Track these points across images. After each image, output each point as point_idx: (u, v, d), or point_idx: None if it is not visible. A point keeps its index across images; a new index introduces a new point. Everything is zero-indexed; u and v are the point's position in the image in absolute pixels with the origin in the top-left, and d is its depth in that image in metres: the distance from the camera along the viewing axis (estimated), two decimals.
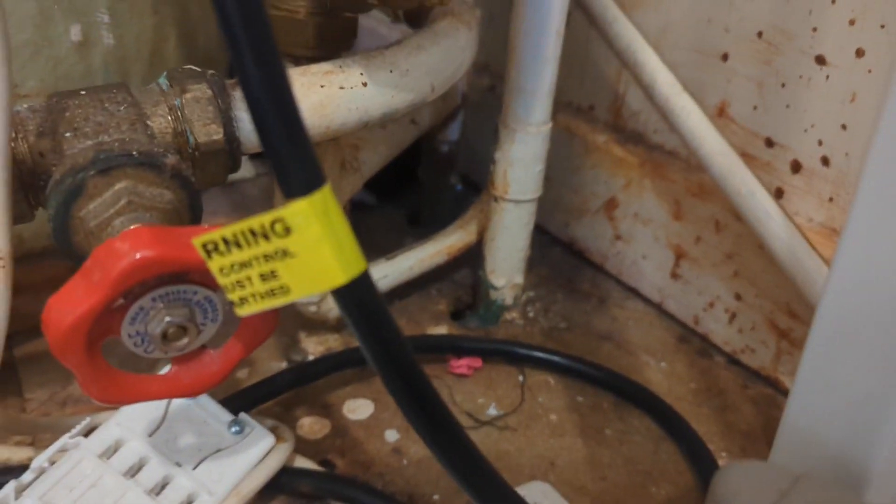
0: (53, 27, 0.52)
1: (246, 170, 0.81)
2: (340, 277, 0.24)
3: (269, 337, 0.34)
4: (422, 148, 0.86)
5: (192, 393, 0.34)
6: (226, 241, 0.24)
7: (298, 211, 0.23)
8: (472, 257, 0.78)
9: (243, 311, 0.25)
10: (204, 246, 0.24)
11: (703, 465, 0.56)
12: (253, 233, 0.24)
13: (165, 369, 0.53)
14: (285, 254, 0.24)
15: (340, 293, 0.25)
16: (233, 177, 0.81)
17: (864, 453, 0.27)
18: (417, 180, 0.89)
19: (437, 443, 0.30)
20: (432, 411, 0.29)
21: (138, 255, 0.29)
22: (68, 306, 0.29)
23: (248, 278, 0.24)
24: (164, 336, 0.32)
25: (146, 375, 0.33)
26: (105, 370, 0.31)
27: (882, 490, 0.27)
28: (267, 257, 0.24)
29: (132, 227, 0.34)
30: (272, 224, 0.23)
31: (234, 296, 0.25)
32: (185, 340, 0.32)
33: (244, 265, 0.24)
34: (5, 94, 0.33)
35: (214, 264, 0.24)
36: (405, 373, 0.28)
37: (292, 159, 0.23)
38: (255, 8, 0.21)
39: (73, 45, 0.53)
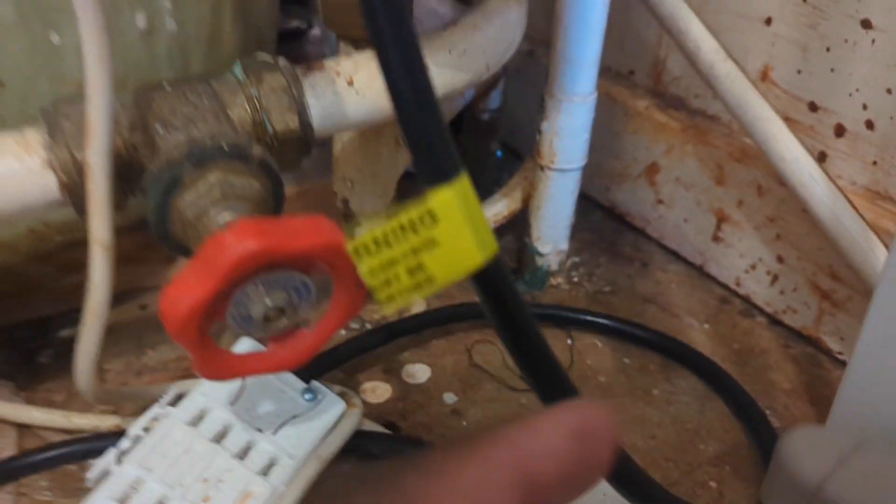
0: (121, 16, 0.54)
1: None
2: (478, 258, 0.25)
3: (356, 315, 0.37)
4: (463, 116, 0.87)
5: (288, 367, 0.37)
6: (376, 242, 0.25)
7: (445, 199, 0.23)
8: (516, 224, 0.80)
9: (390, 308, 0.26)
10: (356, 250, 0.25)
11: (753, 421, 0.58)
12: (402, 228, 0.24)
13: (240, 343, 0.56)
14: (432, 244, 0.24)
15: (478, 273, 0.26)
16: None
17: None
18: (460, 147, 0.90)
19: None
20: (553, 379, 0.32)
21: (246, 248, 0.31)
22: (183, 295, 0.32)
23: (396, 275, 0.25)
24: (266, 318, 0.34)
25: (247, 354, 0.36)
26: (214, 351, 0.34)
27: None
28: (415, 251, 0.24)
29: (227, 215, 0.36)
30: (421, 217, 0.24)
31: (381, 295, 0.25)
32: (283, 322, 0.35)
33: (392, 262, 0.25)
34: (107, 91, 0.36)
35: (364, 267, 0.25)
36: (531, 343, 0.30)
37: (436, 149, 0.24)
38: (400, 8, 0.23)
39: (140, 32, 0.55)
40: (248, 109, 0.42)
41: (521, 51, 0.93)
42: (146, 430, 0.47)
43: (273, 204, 0.40)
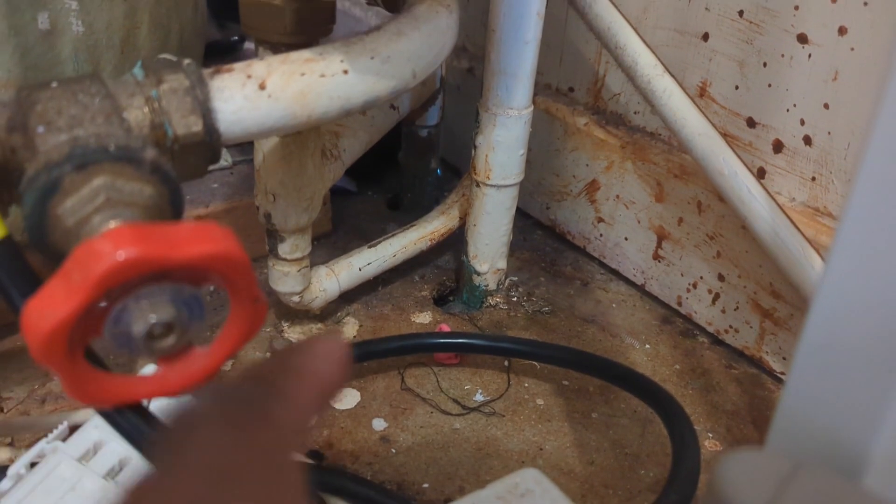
0: (20, 16, 0.50)
1: (224, 158, 0.80)
2: None
3: (257, 332, 0.34)
4: (402, 133, 0.85)
5: (180, 392, 0.33)
6: None
7: None
8: (455, 242, 0.78)
9: None
10: None
11: (683, 446, 0.55)
12: None
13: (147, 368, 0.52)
14: None
15: None
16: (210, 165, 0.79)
17: (863, 439, 0.27)
18: (398, 165, 0.88)
19: None
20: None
21: (121, 255, 0.28)
22: (48, 310, 0.28)
23: None
24: (150, 336, 0.31)
25: (132, 376, 0.32)
26: (89, 373, 0.30)
27: (882, 475, 0.27)
28: None
29: (112, 224, 0.33)
30: None
31: None
32: (171, 340, 0.31)
33: None
34: None
35: None
36: None
37: None
38: None
39: (41, 33, 0.51)
40: (147, 111, 0.39)
41: (460, 67, 0.91)
42: (31, 466, 0.43)
43: (170, 212, 0.36)
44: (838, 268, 0.27)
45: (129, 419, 0.33)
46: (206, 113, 0.40)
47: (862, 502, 0.25)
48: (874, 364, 0.27)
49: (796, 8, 0.59)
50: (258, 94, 0.42)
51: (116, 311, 0.30)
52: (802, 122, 0.62)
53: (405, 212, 0.88)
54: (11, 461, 0.52)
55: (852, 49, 0.57)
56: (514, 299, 0.75)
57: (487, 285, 0.73)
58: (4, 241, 0.33)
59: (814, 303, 0.28)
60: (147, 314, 0.31)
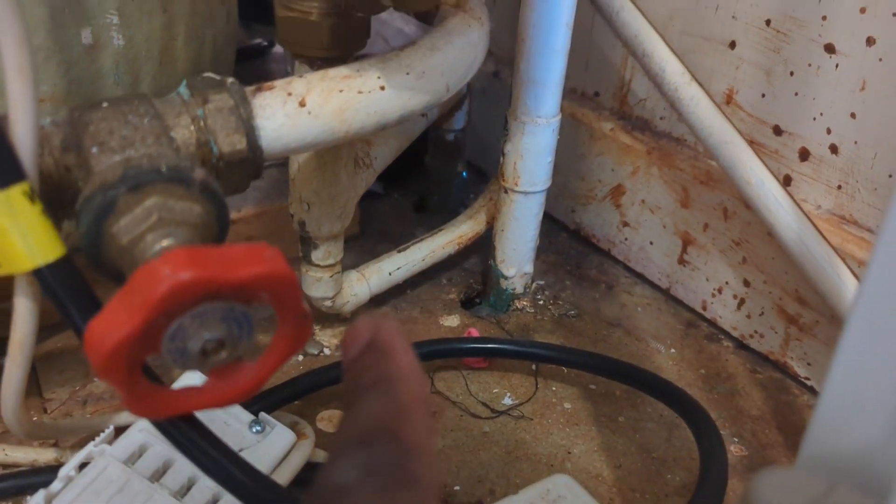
0: (64, 31, 0.52)
1: None
2: (27, 263, 0.32)
3: (302, 346, 0.35)
4: (429, 136, 0.86)
5: (229, 403, 0.34)
6: None
7: None
8: (482, 245, 0.79)
9: None
10: None
11: (711, 454, 0.56)
12: None
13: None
14: None
15: (38, 276, 0.33)
16: None
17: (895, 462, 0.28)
18: (424, 168, 0.89)
19: None
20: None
21: (178, 278, 0.29)
22: (110, 329, 0.29)
23: None
24: (204, 352, 0.32)
25: (185, 389, 0.34)
26: (147, 387, 0.32)
27: None
28: None
29: (168, 245, 0.34)
30: None
31: None
32: (222, 355, 0.33)
33: None
34: (31, 106, 0.33)
35: None
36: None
37: None
38: None
39: (84, 48, 0.53)
40: (193, 130, 0.40)
41: (486, 71, 0.92)
42: (80, 469, 0.45)
43: (217, 229, 0.38)
44: (875, 283, 0.27)
45: (183, 430, 0.35)
46: (250, 131, 0.42)
47: None
48: None
49: (824, 18, 0.60)
50: (298, 112, 0.44)
51: (173, 330, 0.32)
52: (829, 131, 0.62)
53: (431, 214, 0.89)
54: (57, 461, 0.54)
55: (880, 60, 0.57)
56: (541, 303, 0.76)
57: (514, 289, 0.75)
58: (64, 260, 0.34)
59: (850, 318, 0.29)
60: (201, 332, 0.32)
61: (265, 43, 1.03)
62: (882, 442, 0.28)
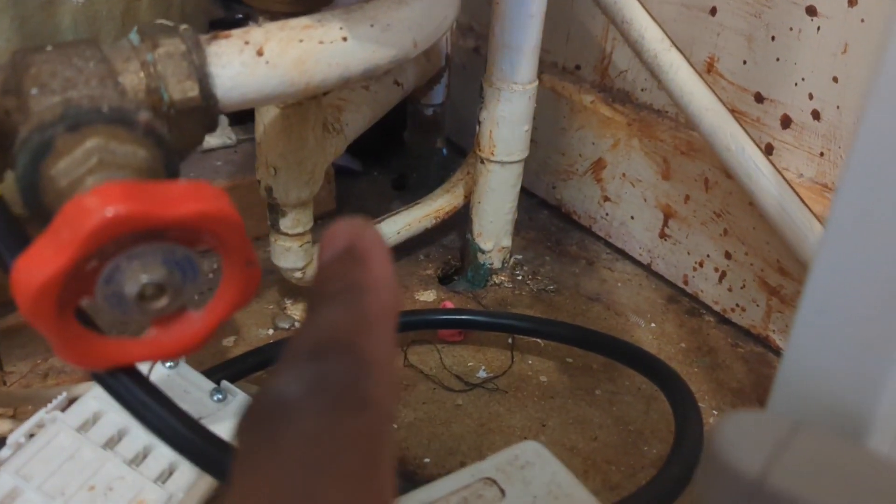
0: None
1: (227, 136, 0.79)
2: None
3: (251, 297, 0.33)
4: (407, 112, 0.84)
5: (174, 355, 0.33)
6: None
7: None
8: (460, 221, 0.77)
9: None
10: None
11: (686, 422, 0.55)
12: None
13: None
14: None
15: None
16: (214, 143, 0.79)
17: (865, 401, 0.26)
18: (403, 145, 0.87)
19: None
20: None
21: (109, 212, 0.27)
22: (37, 267, 0.28)
23: None
24: (142, 296, 0.30)
25: (125, 338, 0.32)
26: (80, 334, 0.30)
27: (884, 436, 0.26)
28: None
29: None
30: None
31: None
32: (163, 301, 0.31)
33: None
34: None
35: None
36: None
37: None
38: None
39: (40, 3, 0.51)
40: (142, 76, 0.39)
41: (466, 47, 0.90)
42: (30, 436, 0.43)
43: (165, 176, 0.36)
44: (837, 231, 0.26)
45: (126, 384, 0.33)
46: (203, 78, 0.40)
47: (863, 461, 0.24)
48: (875, 326, 0.26)
49: None
50: (256, 61, 0.42)
51: (108, 271, 0.30)
52: (811, 97, 0.61)
53: (410, 192, 0.87)
54: (11, 433, 0.52)
55: (862, 21, 0.56)
56: (519, 278, 0.75)
57: (492, 264, 0.73)
58: None
59: (813, 267, 0.28)
60: (139, 274, 0.30)
61: (241, 16, 1.01)
62: (850, 383, 0.26)
